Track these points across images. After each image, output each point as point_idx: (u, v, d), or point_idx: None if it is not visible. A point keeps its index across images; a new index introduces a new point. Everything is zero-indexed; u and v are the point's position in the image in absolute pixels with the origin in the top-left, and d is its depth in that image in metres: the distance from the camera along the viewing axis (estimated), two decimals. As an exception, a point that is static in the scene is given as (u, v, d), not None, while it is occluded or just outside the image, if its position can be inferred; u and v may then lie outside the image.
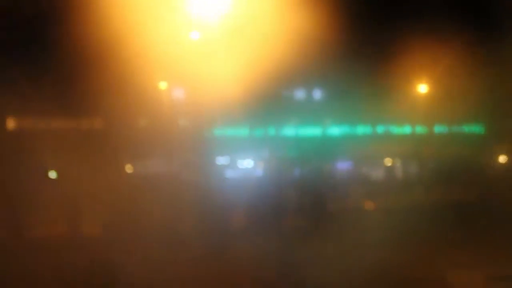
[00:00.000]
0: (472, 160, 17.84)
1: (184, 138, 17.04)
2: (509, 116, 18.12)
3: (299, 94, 20.04)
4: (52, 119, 16.48)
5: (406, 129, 20.48)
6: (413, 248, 6.91)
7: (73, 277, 7.96)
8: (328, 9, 15.00)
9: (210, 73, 15.38)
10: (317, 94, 20.10)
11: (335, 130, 20.03)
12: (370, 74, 17.58)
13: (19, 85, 13.78)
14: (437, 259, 6.43)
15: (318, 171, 16.87)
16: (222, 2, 14.62)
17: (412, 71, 17.93)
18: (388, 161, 20.37)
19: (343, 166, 19.60)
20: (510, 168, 19.00)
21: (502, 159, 19.58)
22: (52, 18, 13.99)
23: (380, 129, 20.42)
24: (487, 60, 17.32)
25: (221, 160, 19.31)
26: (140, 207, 12.27)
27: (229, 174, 19.11)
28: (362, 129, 20.29)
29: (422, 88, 19.93)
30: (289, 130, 19.76)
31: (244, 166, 19.82)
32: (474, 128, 20.67)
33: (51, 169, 15.96)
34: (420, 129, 20.38)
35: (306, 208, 12.64)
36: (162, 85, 17.67)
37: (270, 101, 17.69)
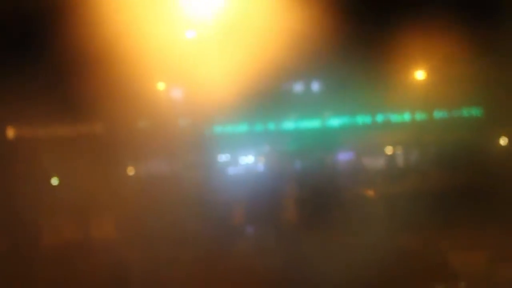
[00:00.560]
0: (473, 143, 17.83)
1: (184, 138, 17.06)
2: (509, 98, 18.10)
3: (297, 87, 20.04)
4: (51, 126, 16.50)
5: (406, 117, 20.47)
6: (417, 233, 6.92)
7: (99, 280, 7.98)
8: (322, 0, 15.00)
9: (207, 71, 15.39)
10: (315, 86, 20.10)
11: (334, 122, 20.03)
12: (367, 63, 17.56)
13: (16, 93, 13.80)
14: (441, 242, 6.45)
15: (320, 163, 16.89)
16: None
17: (409, 58, 17.90)
18: (389, 149, 20.37)
19: (344, 157, 19.61)
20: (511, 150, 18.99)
21: (503, 141, 19.57)
22: (44, 24, 14.00)
23: (379, 118, 20.42)
24: (486, 43, 17.27)
25: (223, 158, 19.34)
26: (145, 208, 12.31)
27: (231, 171, 19.14)
28: (361, 119, 20.28)
29: (420, 74, 19.91)
30: (289, 124, 19.77)
31: (245, 162, 19.84)
32: (474, 112, 20.65)
33: (54, 176, 16.00)
34: (419, 116, 20.37)
35: (309, 200, 12.66)
36: (160, 86, 17.68)
37: (268, 96, 17.70)
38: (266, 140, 19.41)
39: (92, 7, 13.01)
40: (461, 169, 14.12)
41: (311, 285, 7.25)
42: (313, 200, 11.65)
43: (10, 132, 16.22)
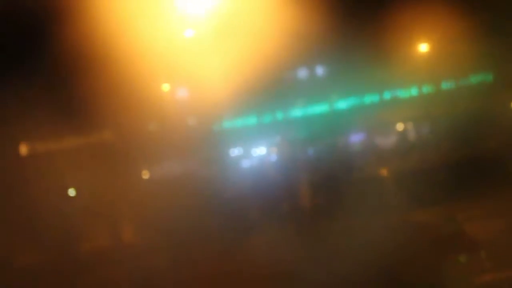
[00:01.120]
0: (485, 112, 17.68)
1: (194, 136, 17.13)
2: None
3: (301, 74, 20.00)
4: (62, 137, 16.65)
5: (414, 91, 20.33)
6: (432, 206, 6.93)
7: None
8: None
9: (210, 68, 15.42)
10: (319, 70, 20.04)
11: (342, 104, 19.97)
12: (369, 40, 17.43)
13: (25, 107, 13.94)
14: (458, 214, 6.45)
15: (332, 147, 16.88)
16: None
17: (412, 30, 17.72)
18: (400, 126, 20.29)
19: (356, 138, 19.58)
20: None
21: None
22: (44, 33, 14.07)
23: (387, 95, 20.31)
24: (490, 7, 17.06)
25: (235, 152, 19.41)
26: (163, 210, 12.41)
27: (245, 164, 19.20)
28: (369, 98, 20.19)
29: (424, 46, 19.73)
30: (297, 111, 19.75)
31: (258, 154, 19.89)
32: (483, 78, 20.44)
33: (71, 187, 16.15)
34: (428, 89, 20.22)
35: (324, 184, 12.67)
36: (165, 87, 17.75)
37: (273, 86, 17.69)
38: (277, 130, 19.43)
39: (90, 12, 13.03)
40: (473, 139, 14.04)
41: (336, 264, 7.30)
42: (328, 184, 11.67)
43: (23, 148, 16.40)
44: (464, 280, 5.81)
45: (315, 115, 19.62)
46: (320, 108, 19.84)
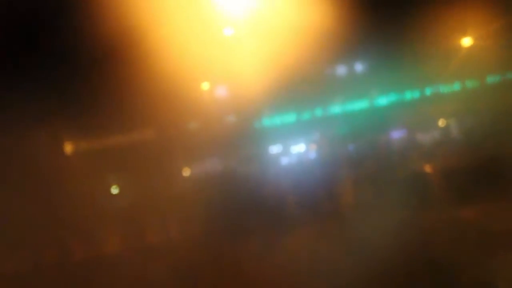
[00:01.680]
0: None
1: (234, 134, 17.22)
2: None
3: (341, 70, 19.86)
4: (105, 136, 16.95)
5: (456, 86, 19.94)
6: (482, 204, 6.80)
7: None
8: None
9: (249, 66, 15.46)
10: (359, 67, 19.86)
11: (383, 100, 19.74)
12: (409, 36, 17.17)
13: (69, 106, 14.24)
14: (504, 212, 6.32)
15: (372, 143, 16.71)
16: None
17: (454, 24, 17.38)
18: (442, 122, 19.94)
19: (397, 134, 19.33)
20: None
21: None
22: (85, 36, 14.31)
23: (428, 90, 19.98)
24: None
25: (274, 149, 19.41)
26: (205, 206, 12.51)
27: (284, 161, 19.19)
28: (410, 94, 19.90)
29: (467, 40, 19.31)
30: (337, 108, 19.62)
31: (297, 151, 19.84)
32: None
33: (114, 184, 16.44)
34: (470, 84, 19.81)
35: (367, 181, 12.56)
36: (205, 85, 17.88)
37: (313, 83, 17.62)
38: (316, 127, 19.34)
39: (132, 11, 13.19)
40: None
41: (386, 257, 7.23)
42: (371, 180, 11.58)
43: (68, 147, 16.76)
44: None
45: (355, 112, 19.46)
46: (360, 105, 19.66)
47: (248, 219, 11.55)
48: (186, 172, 17.69)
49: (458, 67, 18.98)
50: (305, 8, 14.34)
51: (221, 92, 18.47)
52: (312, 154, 19.35)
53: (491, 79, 19.98)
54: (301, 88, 17.11)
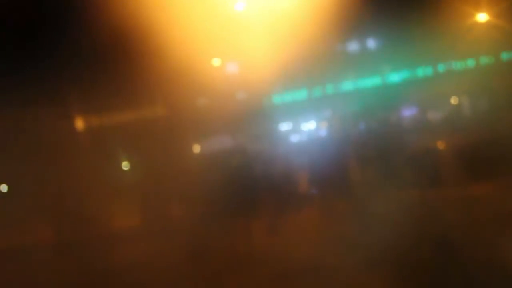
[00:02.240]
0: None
1: (244, 111, 17.15)
2: None
3: (353, 46, 19.64)
4: (116, 113, 16.96)
5: (470, 63, 19.65)
6: (492, 181, 6.71)
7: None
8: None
9: (260, 42, 15.32)
10: (371, 43, 19.63)
11: (394, 77, 19.53)
12: (423, 11, 16.88)
13: (79, 83, 14.24)
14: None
15: (384, 121, 16.58)
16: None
17: (468, 0, 17.07)
18: (454, 100, 19.70)
19: (408, 112, 19.16)
20: None
21: None
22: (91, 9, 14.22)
23: (441, 67, 19.72)
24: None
25: (284, 126, 19.34)
26: (214, 184, 12.52)
27: (294, 138, 19.13)
28: (422, 71, 19.66)
29: (481, 16, 18.96)
30: (348, 85, 19.45)
31: (307, 128, 19.76)
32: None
33: (124, 161, 16.49)
34: (484, 60, 19.51)
35: (378, 159, 12.49)
36: (215, 62, 17.78)
37: (324, 59, 17.45)
38: (327, 104, 19.21)
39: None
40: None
41: (389, 235, 7.21)
42: (381, 158, 11.51)
43: (78, 123, 16.80)
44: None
45: (367, 89, 19.29)
46: (371, 81, 19.48)
47: (258, 196, 11.56)
48: (196, 149, 17.70)
49: (472, 44, 18.68)
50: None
51: (232, 68, 18.36)
52: (323, 132, 19.26)
53: (505, 56, 19.66)
54: (312, 65, 16.97)
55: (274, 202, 10.93)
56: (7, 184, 14.09)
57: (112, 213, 13.00)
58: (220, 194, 11.83)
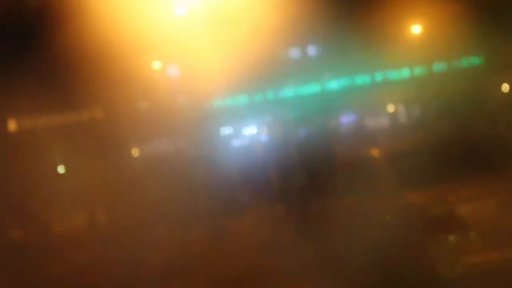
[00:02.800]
0: (475, 93, 17.70)
1: (185, 115, 17.04)
2: (508, 44, 17.85)
3: (293, 53, 19.90)
4: (52, 114, 16.52)
5: (405, 73, 20.30)
6: (422, 188, 6.91)
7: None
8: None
9: (201, 46, 15.29)
10: (311, 50, 19.95)
11: (334, 84, 19.91)
12: (361, 22, 17.34)
13: (15, 84, 13.77)
14: (447, 195, 6.45)
15: (322, 127, 16.82)
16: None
17: (404, 12, 17.64)
18: (391, 108, 20.29)
19: (346, 119, 19.56)
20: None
21: (505, 88, 19.42)
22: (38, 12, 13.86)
23: (379, 76, 20.27)
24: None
25: (225, 131, 19.36)
26: (150, 190, 12.36)
27: (235, 143, 19.16)
28: (361, 79, 20.14)
29: (416, 28, 19.64)
30: (288, 91, 19.68)
31: (249, 133, 19.85)
32: (474, 61, 20.43)
33: (59, 164, 16.06)
34: (419, 70, 20.20)
35: (315, 165, 12.64)
36: (156, 65, 17.60)
37: (265, 65, 17.59)
38: (268, 110, 19.36)
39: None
40: (464, 121, 14.06)
41: (326, 244, 7.31)
42: (318, 166, 11.66)
43: (12, 125, 16.26)
44: (453, 259, 5.84)
45: (307, 95, 19.57)
46: (311, 88, 19.78)
47: (196, 202, 11.48)
48: (135, 153, 17.45)
49: (408, 54, 19.31)
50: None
51: (173, 72, 18.23)
52: (264, 137, 19.39)
53: (438, 66, 20.43)
54: (253, 70, 17.06)
55: (209, 208, 10.89)
56: None
57: (40, 219, 12.60)
58: (156, 199, 11.69)
